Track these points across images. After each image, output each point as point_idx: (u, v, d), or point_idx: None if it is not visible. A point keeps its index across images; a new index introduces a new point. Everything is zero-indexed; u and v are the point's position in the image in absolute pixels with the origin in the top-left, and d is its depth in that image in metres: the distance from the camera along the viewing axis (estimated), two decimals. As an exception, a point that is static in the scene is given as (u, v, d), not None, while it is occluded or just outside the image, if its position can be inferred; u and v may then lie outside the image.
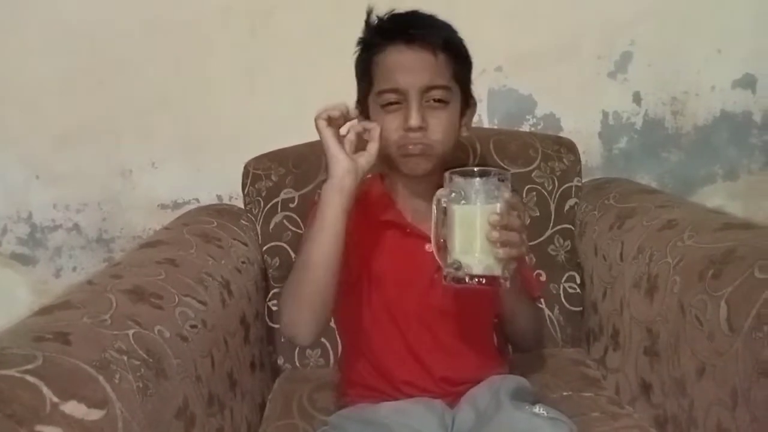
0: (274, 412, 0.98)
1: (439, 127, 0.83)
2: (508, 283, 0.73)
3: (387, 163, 0.87)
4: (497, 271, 0.72)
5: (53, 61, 1.29)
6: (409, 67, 0.82)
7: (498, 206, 0.72)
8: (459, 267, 0.73)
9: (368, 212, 0.89)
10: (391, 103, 0.82)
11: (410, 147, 0.83)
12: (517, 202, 0.75)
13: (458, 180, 0.74)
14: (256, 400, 0.98)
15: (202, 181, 1.34)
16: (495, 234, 0.71)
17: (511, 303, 0.89)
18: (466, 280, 0.72)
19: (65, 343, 0.59)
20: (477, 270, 0.72)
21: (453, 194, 0.73)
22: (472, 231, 0.72)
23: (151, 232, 1.32)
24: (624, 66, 1.34)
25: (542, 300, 1.11)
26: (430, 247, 0.76)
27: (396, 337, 0.87)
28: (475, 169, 0.74)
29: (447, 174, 0.75)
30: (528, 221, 1.15)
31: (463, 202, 0.73)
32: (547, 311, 1.14)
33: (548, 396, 0.94)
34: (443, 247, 0.75)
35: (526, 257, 1.02)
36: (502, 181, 0.73)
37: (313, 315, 0.80)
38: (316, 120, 0.79)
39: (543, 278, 1.14)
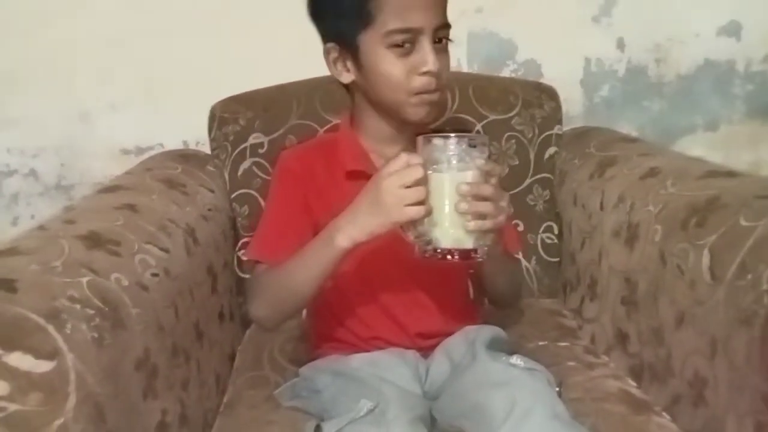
0: (244, 364, 0.96)
1: (446, 70, 0.78)
2: (483, 256, 0.68)
3: (384, 109, 0.81)
4: (468, 244, 0.68)
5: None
6: (424, 2, 0.74)
7: (469, 174, 0.67)
8: (429, 241, 0.68)
9: (337, 161, 0.84)
10: (400, 45, 0.74)
11: (426, 95, 0.76)
12: (493, 169, 0.69)
13: (428, 145, 0.68)
14: (225, 352, 0.95)
15: (166, 125, 1.27)
16: (464, 205, 0.66)
17: (489, 265, 0.82)
18: (437, 255, 0.68)
19: (10, 291, 0.54)
20: (445, 243, 0.67)
21: (423, 161, 0.67)
22: (441, 202, 0.67)
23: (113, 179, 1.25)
24: (608, 10, 1.29)
25: (520, 252, 1.08)
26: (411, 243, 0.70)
27: (368, 294, 0.83)
28: (452, 134, 0.68)
29: (419, 138, 0.69)
30: (506, 171, 1.12)
31: (432, 169, 0.68)
32: (524, 262, 1.13)
33: (524, 346, 0.93)
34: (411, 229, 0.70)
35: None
36: (474, 146, 0.67)
37: (288, 316, 0.83)
38: (385, 189, 0.68)
39: (521, 228, 1.12)
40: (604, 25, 1.30)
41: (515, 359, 0.70)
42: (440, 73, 0.76)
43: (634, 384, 0.84)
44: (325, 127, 1.09)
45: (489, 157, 0.69)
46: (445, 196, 0.67)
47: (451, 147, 0.67)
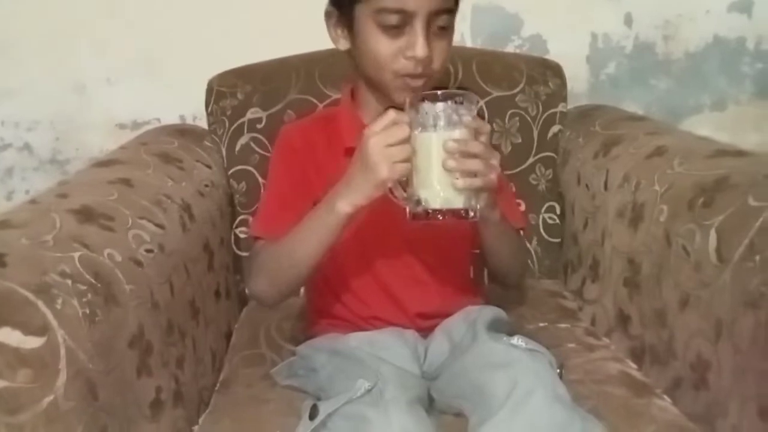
0: (241, 341, 0.95)
1: (440, 56, 0.75)
2: (475, 216, 0.67)
3: (373, 85, 0.79)
4: (458, 203, 0.66)
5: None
6: None
7: (456, 132, 0.65)
8: (418, 201, 0.66)
9: (337, 137, 0.82)
10: (391, 22, 0.72)
11: (410, 79, 0.74)
12: (481, 127, 0.67)
13: (415, 105, 0.66)
14: (221, 329, 0.94)
15: (163, 99, 1.25)
16: (451, 162, 0.64)
17: (490, 236, 0.81)
18: (428, 216, 0.66)
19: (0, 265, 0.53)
20: (435, 203, 0.66)
21: (411, 121, 0.66)
22: (429, 160, 0.65)
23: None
24: (617, -16, 1.26)
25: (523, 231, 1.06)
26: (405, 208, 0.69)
27: (367, 272, 0.82)
28: (439, 92, 0.66)
29: (407, 99, 0.68)
30: (509, 149, 1.10)
31: (420, 129, 0.66)
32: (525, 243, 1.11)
33: (524, 327, 0.92)
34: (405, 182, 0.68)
35: (507, 186, 0.96)
36: (461, 103, 0.66)
37: (289, 292, 0.82)
38: (371, 148, 0.66)
39: (522, 208, 1.10)
40: (612, 0, 1.27)
41: (516, 340, 0.69)
42: (430, 59, 0.73)
43: (634, 366, 0.83)
44: (326, 102, 1.07)
45: (478, 115, 0.68)
46: (432, 155, 0.65)
47: (438, 105, 0.66)
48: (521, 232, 0.92)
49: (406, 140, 0.66)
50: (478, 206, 0.67)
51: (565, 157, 1.11)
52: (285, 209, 0.80)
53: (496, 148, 0.88)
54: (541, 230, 1.12)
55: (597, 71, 1.31)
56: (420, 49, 0.72)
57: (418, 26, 0.71)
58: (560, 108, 1.13)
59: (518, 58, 1.18)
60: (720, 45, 1.31)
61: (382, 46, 0.73)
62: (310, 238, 0.74)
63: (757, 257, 0.62)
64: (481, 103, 0.69)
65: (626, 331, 0.87)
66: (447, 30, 0.75)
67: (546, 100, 1.11)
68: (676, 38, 1.30)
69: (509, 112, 1.10)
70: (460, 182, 0.65)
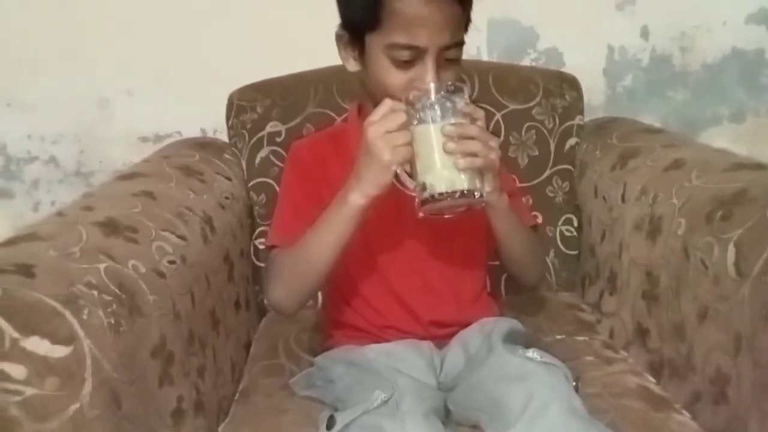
0: (260, 352, 0.96)
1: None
2: (482, 198, 0.68)
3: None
4: (463, 184, 0.67)
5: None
6: (433, 22, 0.70)
7: (452, 118, 0.68)
8: (424, 187, 0.68)
9: (345, 151, 0.83)
10: (402, 56, 0.72)
11: None
12: (474, 111, 0.69)
13: (410, 100, 0.69)
14: (241, 340, 0.95)
15: (185, 113, 1.27)
16: (451, 144, 0.66)
17: (502, 228, 0.80)
18: (434, 200, 0.67)
19: (28, 276, 0.55)
20: (440, 187, 0.67)
21: (409, 116, 0.68)
22: (429, 148, 0.68)
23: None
24: (633, -3, 1.26)
25: (537, 227, 1.02)
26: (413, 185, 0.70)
27: (381, 282, 0.83)
28: (431, 84, 0.69)
29: (403, 97, 0.70)
30: (526, 161, 1.11)
31: (417, 121, 0.68)
32: (542, 254, 1.11)
33: (542, 339, 0.92)
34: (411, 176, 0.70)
35: (515, 188, 0.96)
36: (453, 92, 0.68)
37: (306, 298, 0.82)
38: (372, 137, 0.69)
39: (540, 220, 1.10)
40: (628, 12, 1.27)
41: (532, 353, 0.69)
42: None
43: (653, 380, 0.82)
44: (342, 117, 1.08)
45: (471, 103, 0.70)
46: (432, 142, 0.68)
47: (432, 97, 0.68)
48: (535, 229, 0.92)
49: (405, 125, 0.68)
50: (484, 189, 0.69)
51: (582, 169, 1.11)
52: (298, 218, 0.81)
53: (495, 132, 0.90)
54: (559, 243, 1.12)
55: (614, 84, 1.31)
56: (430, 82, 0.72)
57: (429, 61, 0.72)
58: (577, 120, 1.13)
59: (534, 71, 1.18)
60: (738, 56, 1.30)
61: (392, 78, 0.74)
62: (326, 236, 0.74)
63: (776, 271, 0.62)
64: (469, 91, 0.71)
65: (644, 344, 0.86)
66: (456, 60, 0.76)
67: (562, 113, 1.12)
68: (693, 50, 1.30)
69: (526, 125, 1.11)
70: (462, 162, 0.67)
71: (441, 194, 0.67)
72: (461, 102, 0.69)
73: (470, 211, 0.71)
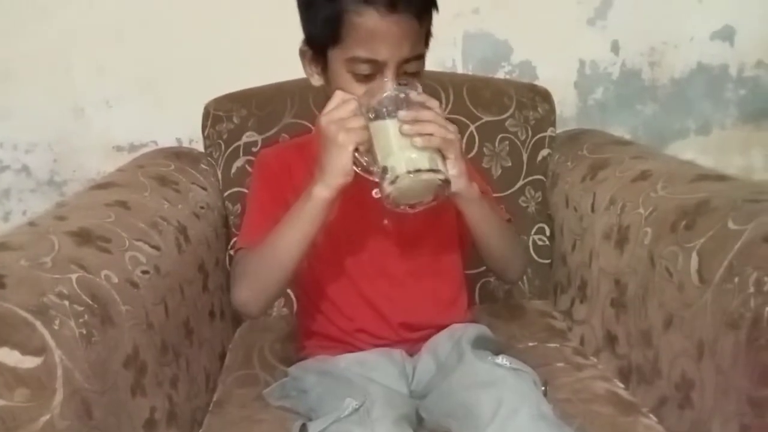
0: (235, 362, 0.96)
1: None
2: (447, 181, 0.69)
3: None
4: (423, 163, 0.68)
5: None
6: (391, 36, 0.71)
7: (406, 107, 0.69)
8: (385, 170, 0.68)
9: (312, 160, 0.83)
10: (362, 70, 0.74)
11: None
12: (427, 99, 0.71)
13: (364, 100, 0.71)
14: (215, 350, 0.95)
15: (160, 123, 1.27)
16: (406, 127, 0.68)
17: (475, 218, 0.79)
18: (399, 184, 0.67)
19: (-1, 287, 0.55)
20: (401, 168, 0.68)
21: (365, 110, 0.70)
22: (387, 137, 0.69)
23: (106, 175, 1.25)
24: (604, 13, 1.30)
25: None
26: (378, 192, 0.70)
27: (349, 286, 0.83)
28: (385, 79, 0.72)
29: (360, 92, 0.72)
30: (499, 172, 1.13)
31: (373, 114, 0.70)
32: (515, 263, 1.13)
33: (514, 346, 0.93)
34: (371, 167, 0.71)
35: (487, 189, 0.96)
36: (406, 84, 0.71)
37: (272, 298, 0.82)
38: (326, 125, 0.70)
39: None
40: (599, 27, 1.31)
41: (501, 359, 0.71)
42: None
43: (621, 386, 0.84)
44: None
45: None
46: (389, 131, 0.69)
47: (386, 88, 0.70)
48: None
49: (357, 111, 0.70)
50: (448, 170, 0.70)
51: (554, 180, 1.13)
52: (265, 219, 0.80)
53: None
54: (532, 251, 1.14)
55: (585, 97, 1.34)
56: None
57: (389, 73, 0.73)
58: (549, 132, 1.15)
59: (508, 83, 1.21)
60: (704, 72, 1.35)
61: (353, 91, 0.74)
62: (292, 233, 0.74)
63: (736, 279, 0.64)
64: (419, 85, 0.73)
65: (614, 350, 0.88)
66: (416, 74, 0.76)
67: (535, 125, 1.14)
68: (662, 65, 1.34)
69: (499, 137, 1.13)
70: (419, 140, 0.68)
71: (402, 174, 0.67)
72: (413, 92, 0.71)
73: (438, 201, 0.70)
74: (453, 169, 0.71)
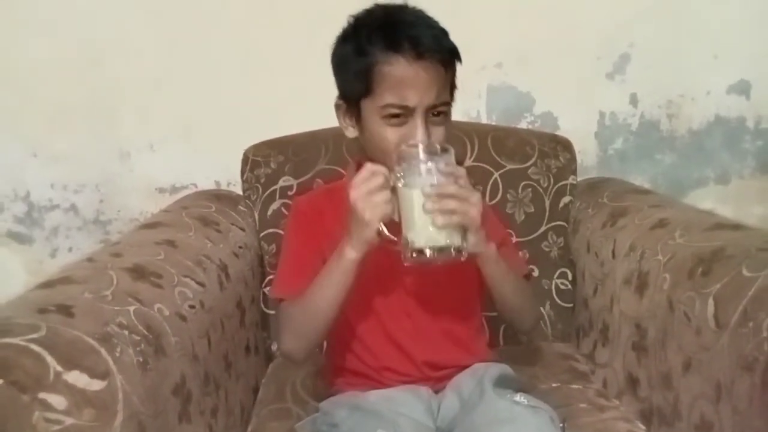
0: (268, 396, 1.00)
1: (439, 138, 0.82)
2: (461, 254, 0.74)
3: (379, 163, 0.85)
4: (441, 241, 0.73)
5: (51, 39, 1.29)
6: (419, 81, 0.78)
7: (433, 178, 0.73)
8: (407, 242, 0.74)
9: (344, 205, 0.88)
10: (394, 115, 0.80)
11: None
12: (456, 171, 0.75)
13: (398, 161, 0.75)
14: (250, 383, 0.99)
15: (200, 166, 1.35)
16: (429, 204, 0.72)
17: (492, 275, 0.85)
18: (414, 255, 0.73)
19: (68, 316, 0.60)
20: (419, 243, 0.73)
21: (396, 177, 0.75)
22: (410, 208, 0.74)
23: (148, 215, 1.32)
24: (622, 67, 1.36)
25: (530, 277, 1.05)
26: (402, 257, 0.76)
27: (376, 326, 0.88)
28: (418, 147, 0.75)
29: (394, 156, 0.77)
30: (522, 218, 1.17)
31: (402, 182, 0.75)
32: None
33: (537, 386, 0.96)
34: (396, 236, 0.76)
35: (508, 238, 1.01)
36: (436, 154, 0.74)
37: (314, 345, 0.87)
38: (353, 201, 0.75)
39: (536, 274, 1.15)
40: (618, 81, 1.36)
41: (519, 397, 0.74)
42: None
43: (643, 427, 0.86)
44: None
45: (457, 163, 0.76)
46: (414, 201, 0.73)
47: (415, 157, 0.74)
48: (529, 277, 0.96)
49: (385, 186, 0.75)
50: (464, 243, 0.74)
51: (575, 226, 1.17)
52: (302, 270, 0.86)
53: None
54: (554, 295, 1.18)
55: (605, 146, 1.39)
56: (420, 137, 0.79)
57: (418, 118, 0.79)
58: (570, 180, 1.20)
59: (530, 133, 1.26)
60: (721, 123, 1.39)
61: (387, 136, 0.81)
62: (328, 289, 0.80)
63: (751, 323, 0.67)
64: (452, 150, 0.77)
65: (635, 393, 0.90)
66: (444, 116, 0.83)
67: (557, 173, 1.19)
68: (680, 116, 1.39)
69: (522, 184, 1.18)
70: (439, 220, 0.72)
71: (419, 248, 0.73)
72: (442, 163, 0.75)
73: (455, 261, 0.75)
74: (472, 238, 0.76)
